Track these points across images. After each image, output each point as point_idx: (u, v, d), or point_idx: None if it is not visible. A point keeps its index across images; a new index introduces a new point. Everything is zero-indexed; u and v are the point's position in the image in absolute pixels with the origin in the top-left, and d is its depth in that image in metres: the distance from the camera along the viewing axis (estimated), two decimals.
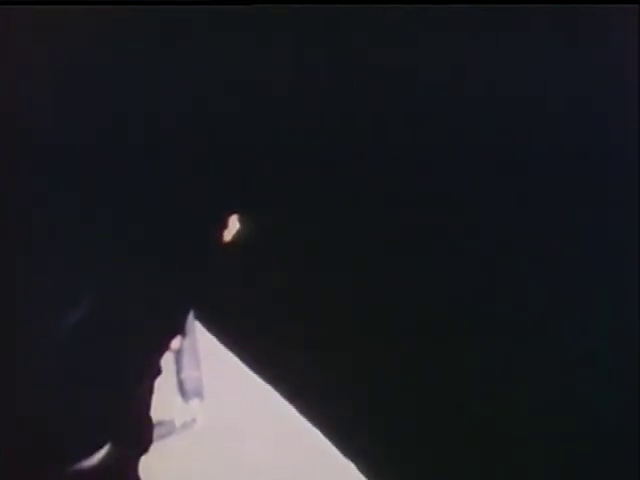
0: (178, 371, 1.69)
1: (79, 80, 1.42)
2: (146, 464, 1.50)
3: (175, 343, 1.54)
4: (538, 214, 1.60)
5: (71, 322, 1.38)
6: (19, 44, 1.40)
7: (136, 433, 1.49)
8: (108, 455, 1.43)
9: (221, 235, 1.49)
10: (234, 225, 1.50)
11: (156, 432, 1.54)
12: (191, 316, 1.58)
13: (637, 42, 1.52)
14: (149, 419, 1.52)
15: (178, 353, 1.63)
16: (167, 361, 1.58)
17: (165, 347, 1.53)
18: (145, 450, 1.51)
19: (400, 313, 1.57)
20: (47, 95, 1.41)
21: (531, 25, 1.53)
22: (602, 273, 1.57)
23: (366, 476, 1.58)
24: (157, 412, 1.54)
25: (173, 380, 1.65)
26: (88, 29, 1.42)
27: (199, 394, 1.70)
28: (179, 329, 1.55)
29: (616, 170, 1.60)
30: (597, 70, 1.56)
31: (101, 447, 1.42)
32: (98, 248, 1.41)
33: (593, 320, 1.56)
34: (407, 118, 1.53)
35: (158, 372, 1.54)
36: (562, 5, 1.51)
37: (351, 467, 1.58)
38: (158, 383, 1.54)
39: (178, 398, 1.67)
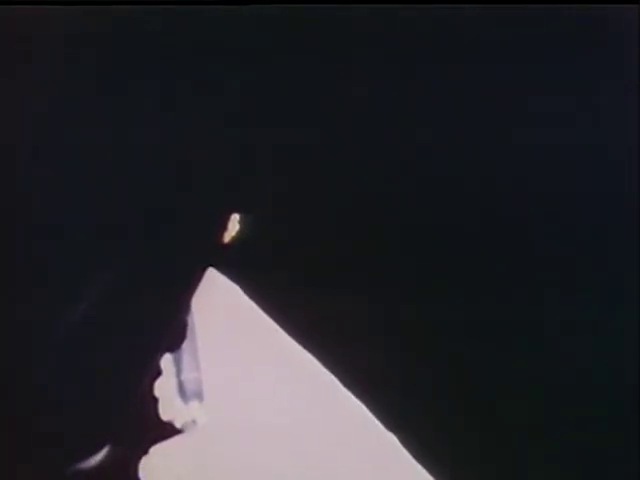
0: (178, 372, 1.68)
1: (79, 80, 1.43)
2: (146, 465, 1.50)
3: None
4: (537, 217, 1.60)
5: (71, 322, 1.38)
6: (19, 44, 1.40)
7: (136, 433, 1.49)
8: (108, 455, 1.43)
9: (221, 235, 1.49)
10: (234, 225, 1.50)
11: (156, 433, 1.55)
12: (191, 316, 1.58)
13: (637, 42, 1.52)
14: (149, 419, 1.52)
15: (178, 354, 1.63)
16: (167, 362, 1.58)
17: (165, 347, 1.53)
18: (145, 451, 1.51)
19: (403, 313, 1.57)
20: (47, 95, 1.42)
21: (529, 25, 1.53)
22: (602, 272, 1.57)
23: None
24: (158, 413, 1.54)
25: (173, 381, 1.65)
26: (88, 29, 1.42)
27: (199, 395, 1.70)
28: (179, 329, 1.55)
29: (616, 171, 1.60)
30: (596, 70, 1.56)
31: (101, 447, 1.43)
32: (98, 248, 1.41)
33: (593, 319, 1.56)
34: (408, 118, 1.54)
35: (158, 373, 1.54)
36: (561, 5, 1.51)
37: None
38: (158, 384, 1.55)
39: (178, 399, 1.67)
